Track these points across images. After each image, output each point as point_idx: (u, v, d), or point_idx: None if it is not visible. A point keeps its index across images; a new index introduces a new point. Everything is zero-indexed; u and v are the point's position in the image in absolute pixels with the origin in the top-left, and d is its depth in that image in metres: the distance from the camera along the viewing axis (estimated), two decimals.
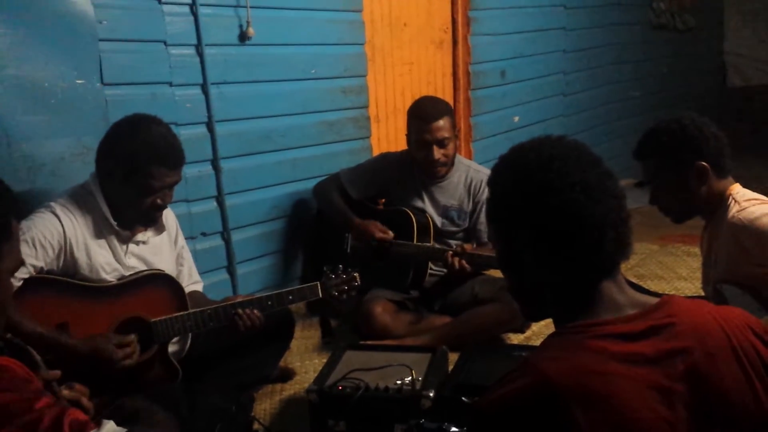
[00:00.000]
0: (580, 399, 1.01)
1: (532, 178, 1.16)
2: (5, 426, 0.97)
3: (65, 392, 1.35)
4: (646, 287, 3.34)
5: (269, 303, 2.51)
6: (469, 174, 3.35)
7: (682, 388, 1.06)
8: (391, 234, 3.24)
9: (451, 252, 3.00)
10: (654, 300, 1.17)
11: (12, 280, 1.35)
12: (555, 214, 1.14)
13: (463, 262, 2.96)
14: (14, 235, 1.26)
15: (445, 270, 3.33)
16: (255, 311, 2.46)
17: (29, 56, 2.55)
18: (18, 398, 1.01)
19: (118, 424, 1.34)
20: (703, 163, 2.08)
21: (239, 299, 2.51)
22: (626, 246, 1.19)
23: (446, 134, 3.21)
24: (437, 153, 3.21)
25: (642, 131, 2.22)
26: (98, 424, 1.04)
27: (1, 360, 1.08)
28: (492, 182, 1.26)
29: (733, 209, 2.06)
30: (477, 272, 3.13)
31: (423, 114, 3.23)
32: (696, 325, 1.12)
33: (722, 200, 2.11)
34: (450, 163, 3.32)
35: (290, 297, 2.56)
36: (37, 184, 2.59)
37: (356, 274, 2.69)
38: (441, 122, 3.20)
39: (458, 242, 3.32)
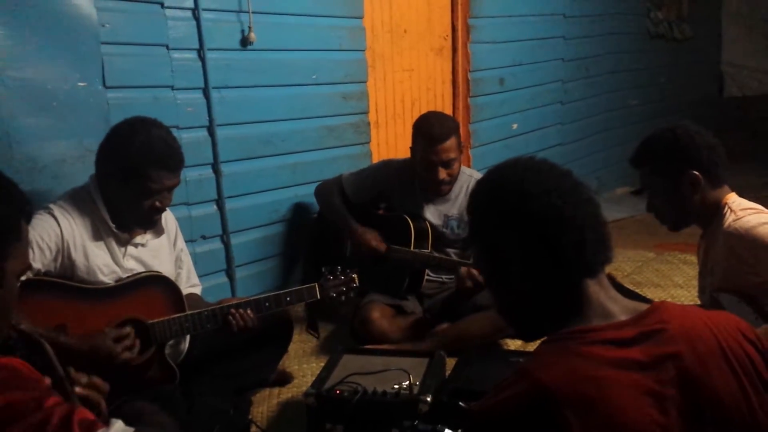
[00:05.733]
0: (574, 404, 1.03)
1: (509, 188, 1.22)
2: (14, 424, 0.98)
3: (78, 390, 1.35)
4: (643, 294, 3.36)
5: (267, 304, 2.51)
6: (470, 184, 3.32)
7: (674, 392, 1.08)
8: (383, 247, 3.25)
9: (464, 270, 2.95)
10: (645, 306, 1.20)
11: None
12: (535, 219, 1.19)
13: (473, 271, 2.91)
14: (23, 237, 1.26)
15: (441, 276, 3.36)
16: (249, 312, 2.46)
17: (32, 58, 2.57)
18: (27, 397, 1.02)
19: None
20: (695, 172, 2.10)
21: (234, 301, 2.52)
22: (607, 248, 1.23)
23: (452, 155, 3.18)
24: (442, 173, 3.19)
25: (639, 140, 2.24)
26: (106, 423, 1.04)
27: (8, 360, 1.08)
28: (473, 202, 1.31)
29: (729, 218, 2.07)
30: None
31: (430, 134, 3.16)
32: (687, 330, 1.14)
33: (718, 209, 2.12)
34: (454, 180, 3.30)
35: (288, 298, 2.57)
36: (38, 185, 2.59)
37: (355, 275, 2.70)
38: (448, 143, 3.15)
39: (456, 251, 3.33)
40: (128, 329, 2.24)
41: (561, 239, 1.17)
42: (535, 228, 1.18)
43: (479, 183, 1.32)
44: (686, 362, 1.11)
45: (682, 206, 2.15)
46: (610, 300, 1.20)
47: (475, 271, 2.94)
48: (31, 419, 0.99)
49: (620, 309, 1.19)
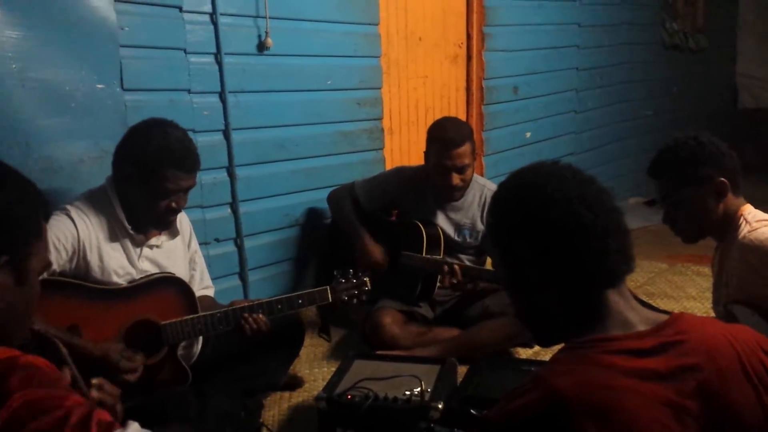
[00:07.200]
0: (590, 414, 1.02)
1: (532, 195, 1.20)
2: (34, 421, 0.99)
3: (94, 393, 1.37)
4: (656, 306, 3.34)
5: (279, 306, 2.53)
6: (483, 193, 3.33)
7: (692, 404, 1.07)
8: (385, 265, 3.25)
9: (445, 267, 3.00)
10: (664, 317, 1.19)
11: None
12: (558, 227, 1.17)
13: (457, 273, 2.97)
14: (43, 235, 1.28)
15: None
16: (261, 316, 2.47)
17: (51, 60, 2.59)
18: (49, 395, 1.03)
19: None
20: (723, 179, 2.08)
21: (246, 303, 2.53)
22: (630, 258, 1.21)
23: (466, 161, 3.18)
24: (455, 179, 3.19)
25: (653, 150, 2.22)
26: (123, 425, 1.06)
27: (32, 358, 1.10)
28: (494, 207, 1.29)
29: (744, 230, 2.06)
30: (486, 292, 3.13)
31: (444, 139, 3.17)
32: (706, 343, 1.14)
33: (734, 220, 2.11)
34: (466, 187, 3.30)
35: (300, 301, 2.58)
36: (55, 186, 2.61)
37: (367, 279, 2.70)
38: (462, 149, 3.15)
39: (470, 258, 3.33)
40: (140, 357, 2.25)
41: (583, 248, 1.16)
42: (558, 236, 1.17)
43: (501, 186, 1.29)
44: (706, 375, 1.10)
45: (704, 216, 2.13)
46: (630, 310, 1.19)
47: (456, 268, 2.96)
48: (51, 417, 1.00)
49: (640, 319, 1.18)
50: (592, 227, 1.16)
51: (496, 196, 1.30)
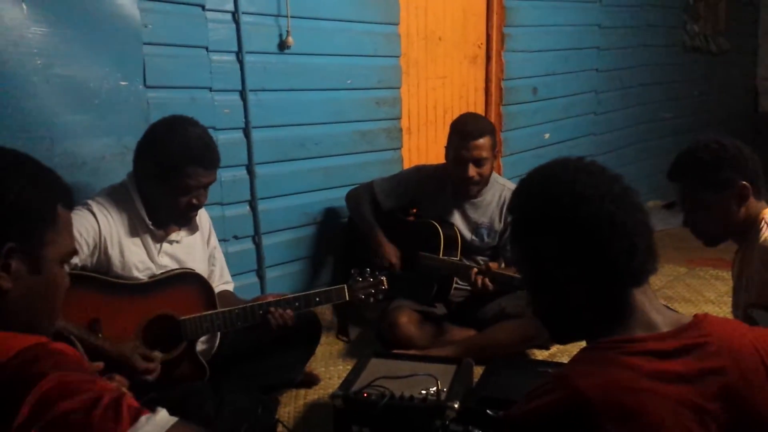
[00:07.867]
0: (612, 415, 1.02)
1: (563, 190, 1.18)
2: (66, 400, 1.00)
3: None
4: (674, 310, 3.32)
5: (296, 304, 2.54)
6: (503, 193, 3.34)
7: (715, 407, 1.07)
8: (398, 267, 3.25)
9: (475, 270, 3.01)
10: (688, 318, 1.18)
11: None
12: (588, 224, 1.15)
13: (486, 280, 2.97)
14: (61, 223, 1.24)
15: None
16: (288, 310, 2.49)
17: (75, 56, 2.61)
18: (80, 378, 1.04)
19: None
20: (745, 182, 2.07)
21: (268, 299, 2.55)
22: (655, 257, 1.20)
23: (484, 154, 3.20)
24: (472, 171, 3.21)
25: (672, 153, 2.20)
26: (152, 411, 1.07)
27: (60, 345, 1.11)
28: (519, 202, 1.27)
29: (765, 233, 2.04)
30: (501, 291, 3.13)
31: (464, 131, 3.21)
32: (730, 345, 1.13)
33: (755, 224, 2.09)
34: (484, 183, 3.31)
35: (317, 299, 2.60)
36: (77, 181, 2.63)
37: (383, 278, 2.71)
38: (481, 141, 3.18)
39: (486, 259, 3.33)
40: (157, 354, 2.27)
41: (612, 246, 1.14)
42: (587, 233, 1.15)
43: (525, 182, 1.27)
44: (729, 377, 1.09)
45: (725, 220, 2.10)
46: (654, 311, 1.18)
47: (486, 281, 2.97)
48: (83, 397, 1.01)
49: (663, 320, 1.17)
50: (621, 225, 1.15)
51: (520, 191, 1.27)
